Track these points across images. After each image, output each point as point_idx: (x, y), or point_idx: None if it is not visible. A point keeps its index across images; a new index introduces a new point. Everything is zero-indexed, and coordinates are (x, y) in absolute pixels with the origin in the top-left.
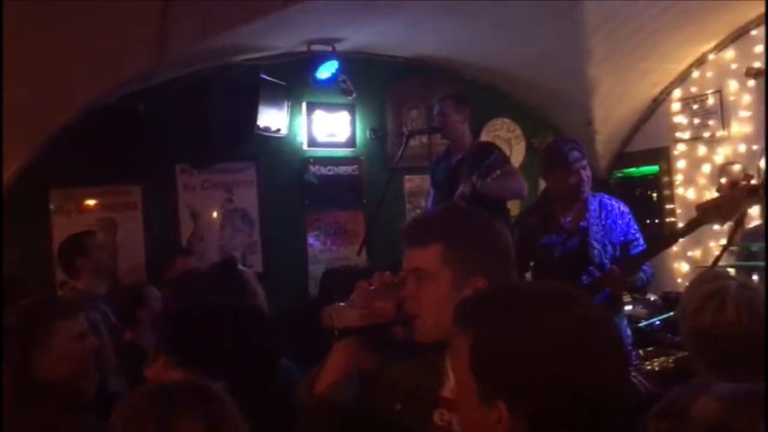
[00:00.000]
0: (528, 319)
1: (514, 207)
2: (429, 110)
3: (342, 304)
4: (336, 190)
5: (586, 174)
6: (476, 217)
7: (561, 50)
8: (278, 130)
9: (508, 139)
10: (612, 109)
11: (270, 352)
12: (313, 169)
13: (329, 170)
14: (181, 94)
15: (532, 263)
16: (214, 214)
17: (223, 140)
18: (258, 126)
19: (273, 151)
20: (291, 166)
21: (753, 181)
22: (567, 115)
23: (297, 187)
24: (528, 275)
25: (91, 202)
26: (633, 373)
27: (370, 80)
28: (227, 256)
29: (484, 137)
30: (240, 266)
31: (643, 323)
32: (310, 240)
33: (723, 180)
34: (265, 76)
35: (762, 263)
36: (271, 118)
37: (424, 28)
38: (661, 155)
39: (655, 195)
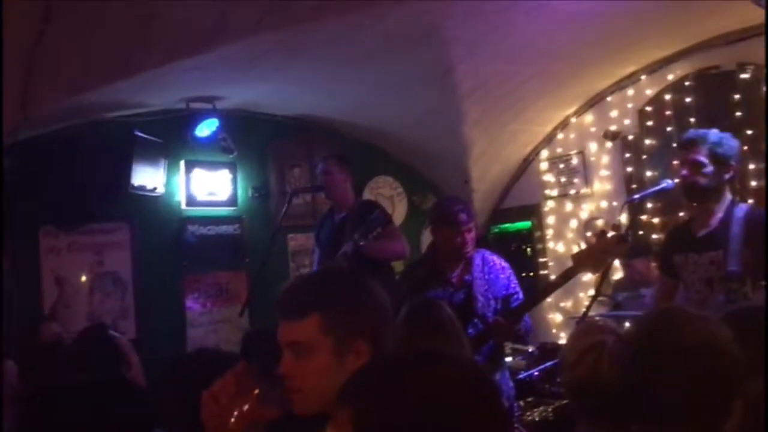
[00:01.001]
0: (403, 388)
1: (398, 263)
2: (312, 168)
3: None
4: (217, 250)
5: (471, 236)
6: (351, 280)
7: (438, 112)
8: (154, 189)
9: (391, 196)
10: (487, 168)
11: (142, 427)
12: (191, 228)
13: (209, 230)
14: (48, 150)
15: None
16: (83, 279)
17: (92, 199)
18: (132, 185)
19: (148, 210)
20: (168, 225)
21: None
22: (446, 174)
23: (174, 247)
24: None
25: None
26: (516, 425)
27: (252, 138)
28: (96, 322)
29: (367, 195)
30: (112, 332)
31: (522, 374)
32: (189, 303)
33: (588, 234)
34: (140, 134)
35: (630, 312)
36: (147, 176)
37: (306, 89)
38: (533, 211)
39: (528, 249)
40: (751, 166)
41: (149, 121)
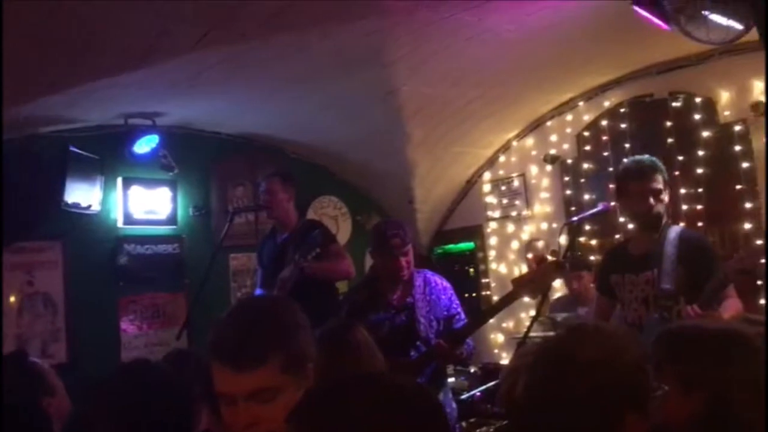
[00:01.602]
0: (348, 411)
1: (342, 283)
2: (255, 187)
3: None
4: (154, 270)
5: (407, 260)
6: (287, 310)
7: (383, 133)
8: (89, 207)
9: (335, 216)
10: (431, 188)
11: None
12: (128, 248)
13: (147, 249)
14: None
15: None
16: (11, 299)
17: (22, 217)
18: (65, 202)
19: (83, 229)
20: (103, 245)
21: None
22: (390, 194)
23: (110, 267)
24: None
25: None
26: None
27: (194, 156)
28: (20, 348)
29: (311, 215)
30: (33, 359)
31: (465, 395)
32: (124, 325)
33: (529, 255)
34: (74, 149)
35: None
36: (81, 193)
37: (250, 107)
38: (476, 232)
39: (471, 270)
40: (683, 191)
41: (86, 136)
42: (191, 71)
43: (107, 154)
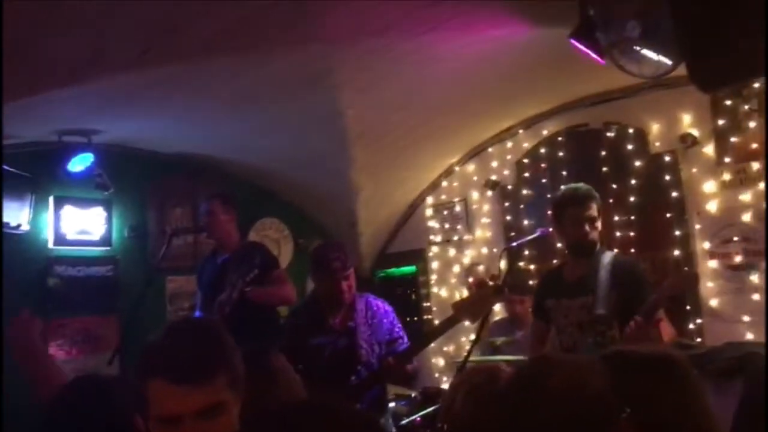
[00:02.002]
0: None
1: (283, 307)
2: (195, 208)
3: None
4: (86, 293)
5: (348, 284)
6: (218, 329)
7: (327, 155)
8: (18, 226)
9: (277, 239)
10: (374, 212)
11: None
12: (59, 269)
13: (79, 270)
14: None
15: (300, 365)
16: None
17: None
18: None
19: (10, 249)
20: (32, 266)
21: (497, 282)
22: (333, 217)
23: (38, 289)
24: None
25: None
26: None
27: (131, 175)
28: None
29: (253, 237)
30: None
31: (405, 420)
32: (52, 349)
33: (470, 279)
34: (4, 166)
35: (507, 356)
36: (10, 212)
37: (190, 126)
38: (418, 256)
39: (413, 294)
40: (616, 218)
41: (17, 153)
42: (129, 89)
43: (40, 172)
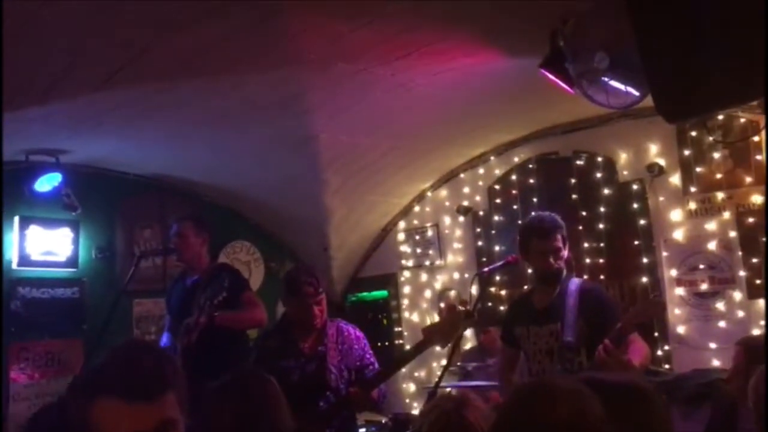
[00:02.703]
0: None
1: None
2: (164, 230)
3: None
4: (50, 315)
5: (320, 308)
6: (158, 347)
7: (300, 179)
8: None
9: (248, 262)
10: (346, 236)
11: None
12: (22, 291)
13: (44, 292)
14: None
15: None
16: None
17: None
18: None
19: None
20: None
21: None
22: (305, 241)
23: (0, 311)
24: None
25: None
26: None
27: (99, 196)
28: None
29: (223, 260)
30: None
31: None
32: (14, 373)
33: (442, 305)
34: None
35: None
36: None
37: (160, 148)
38: (390, 281)
39: (385, 318)
40: (586, 245)
41: None
42: (99, 109)
43: (5, 191)
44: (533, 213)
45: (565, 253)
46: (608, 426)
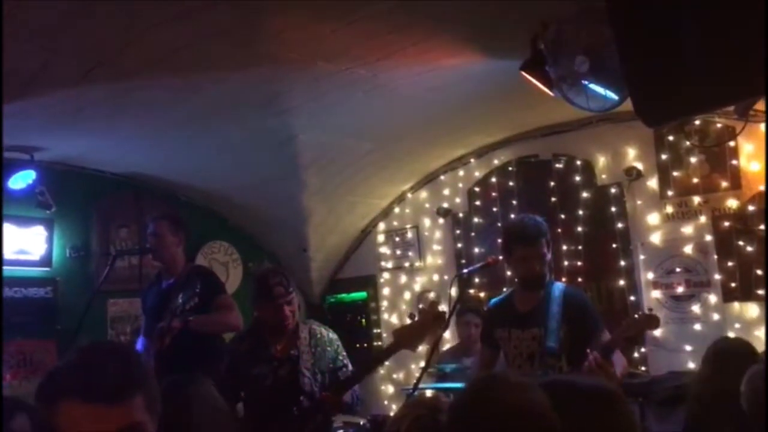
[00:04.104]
0: None
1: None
2: (141, 229)
3: None
4: (23, 315)
5: (291, 309)
6: (135, 353)
7: (279, 179)
8: None
9: (225, 262)
10: (325, 237)
11: None
12: None
13: (16, 292)
14: None
15: (242, 392)
16: None
17: None
18: None
19: None
20: None
21: (441, 308)
22: (284, 241)
23: None
24: (239, 406)
25: None
26: None
27: (74, 194)
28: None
29: (201, 260)
30: None
31: None
32: None
33: (421, 306)
34: None
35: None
36: None
37: (137, 146)
38: (369, 282)
39: (364, 320)
40: (564, 247)
41: None
42: (74, 106)
43: None
44: (515, 216)
45: (548, 257)
46: (554, 416)
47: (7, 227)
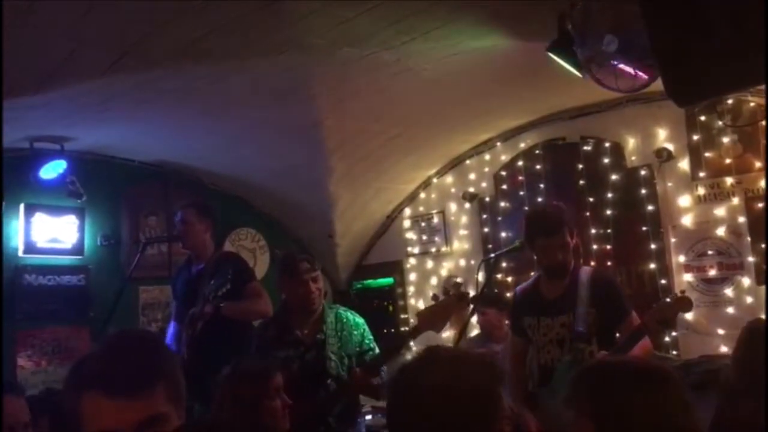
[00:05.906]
0: None
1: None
2: (169, 217)
3: None
4: (57, 303)
5: (317, 286)
6: (158, 340)
7: (305, 165)
8: None
9: (253, 249)
10: (351, 223)
11: None
12: (29, 278)
13: (49, 280)
14: None
15: None
16: None
17: None
18: None
19: None
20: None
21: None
22: (310, 228)
23: (7, 298)
24: None
25: None
26: None
27: (104, 183)
28: None
29: (228, 247)
30: None
31: None
32: (21, 360)
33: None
34: None
35: None
36: None
37: (165, 134)
38: (395, 268)
39: (390, 305)
40: (593, 231)
41: None
42: (103, 96)
43: (10, 179)
44: (536, 204)
45: (573, 242)
46: (488, 397)
47: (40, 216)
